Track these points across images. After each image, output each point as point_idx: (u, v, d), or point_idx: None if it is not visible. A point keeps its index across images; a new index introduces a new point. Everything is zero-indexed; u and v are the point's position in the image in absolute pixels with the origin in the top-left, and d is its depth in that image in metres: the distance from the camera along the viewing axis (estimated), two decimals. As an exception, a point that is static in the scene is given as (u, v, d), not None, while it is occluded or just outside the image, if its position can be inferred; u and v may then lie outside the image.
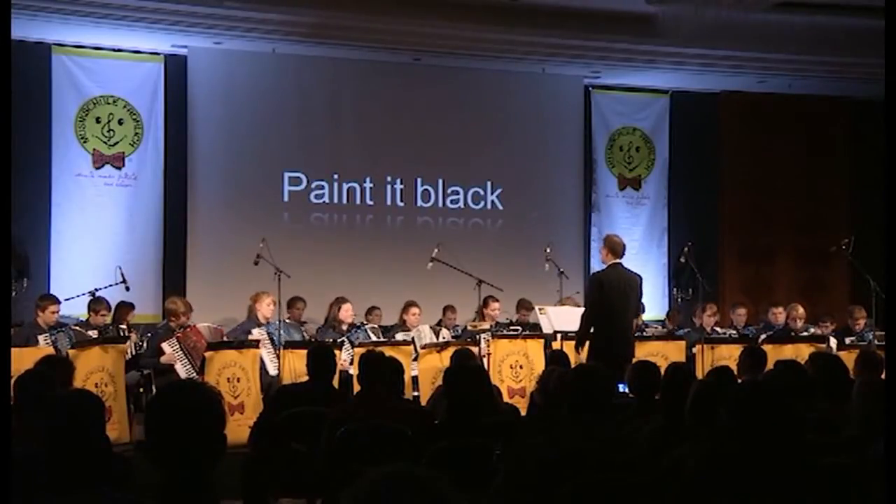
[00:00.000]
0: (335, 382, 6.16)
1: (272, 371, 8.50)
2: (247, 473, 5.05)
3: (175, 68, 10.67)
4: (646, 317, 10.75)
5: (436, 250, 9.79)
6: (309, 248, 10.79)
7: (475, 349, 8.49)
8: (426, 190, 11.48)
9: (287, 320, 9.38)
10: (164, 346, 8.04)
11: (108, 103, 10.50)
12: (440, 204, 11.52)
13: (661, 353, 8.59)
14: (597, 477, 3.34)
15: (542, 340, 8.96)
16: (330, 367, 5.85)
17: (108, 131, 10.49)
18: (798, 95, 12.42)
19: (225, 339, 8.83)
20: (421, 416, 5.04)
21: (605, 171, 12.28)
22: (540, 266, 10.15)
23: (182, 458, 2.41)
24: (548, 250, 10.03)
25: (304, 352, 6.43)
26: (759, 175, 12.67)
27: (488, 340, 8.98)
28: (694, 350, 9.23)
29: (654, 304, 11.57)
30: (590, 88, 12.12)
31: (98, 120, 10.45)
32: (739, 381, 5.30)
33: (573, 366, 6.20)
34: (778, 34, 10.80)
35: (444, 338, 9.58)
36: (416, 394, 8.38)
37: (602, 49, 11.03)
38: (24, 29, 9.40)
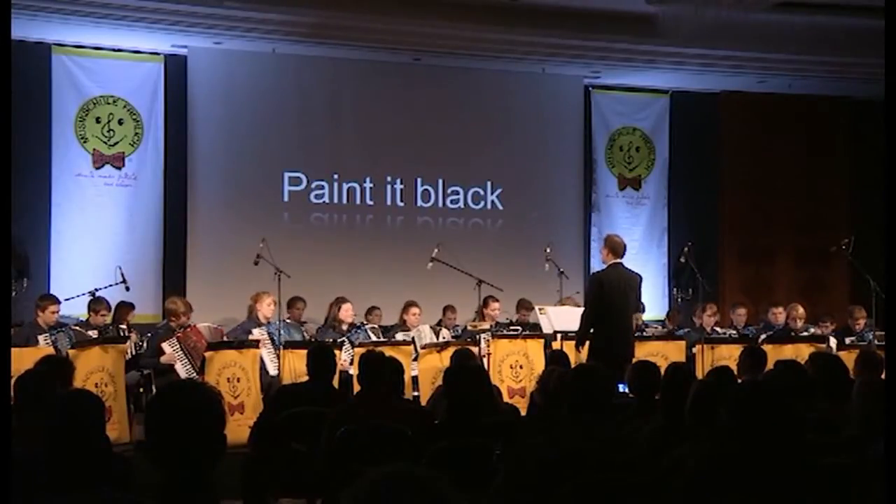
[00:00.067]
0: (335, 382, 6.16)
1: (272, 371, 8.50)
2: (247, 473, 5.05)
3: (175, 68, 10.67)
4: (646, 317, 10.76)
5: (436, 250, 9.79)
6: (309, 248, 10.79)
7: (475, 349, 8.49)
8: (426, 190, 11.48)
9: (288, 320, 9.38)
10: (165, 346, 8.04)
11: (108, 103, 10.50)
12: (440, 204, 11.52)
13: (661, 353, 8.59)
14: (597, 477, 3.34)
15: (542, 340, 8.95)
16: (330, 367, 5.85)
17: (108, 131, 10.49)
18: (798, 95, 12.42)
19: (225, 338, 8.83)
20: (421, 416, 5.04)
21: (605, 171, 12.28)
22: (540, 266, 10.15)
23: (182, 458, 2.41)
24: (548, 250, 10.03)
25: (304, 352, 6.43)
26: (759, 175, 12.67)
27: (488, 340, 8.97)
28: (694, 350, 9.23)
29: (654, 304, 11.57)
30: (590, 88, 12.12)
31: (98, 120, 10.45)
32: (739, 381, 5.30)
33: (573, 366, 6.20)
34: (778, 34, 10.80)
35: (444, 338, 9.58)
36: (416, 394, 8.38)
37: (602, 49, 11.03)
38: (24, 29, 9.40)
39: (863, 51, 10.42)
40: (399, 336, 9.43)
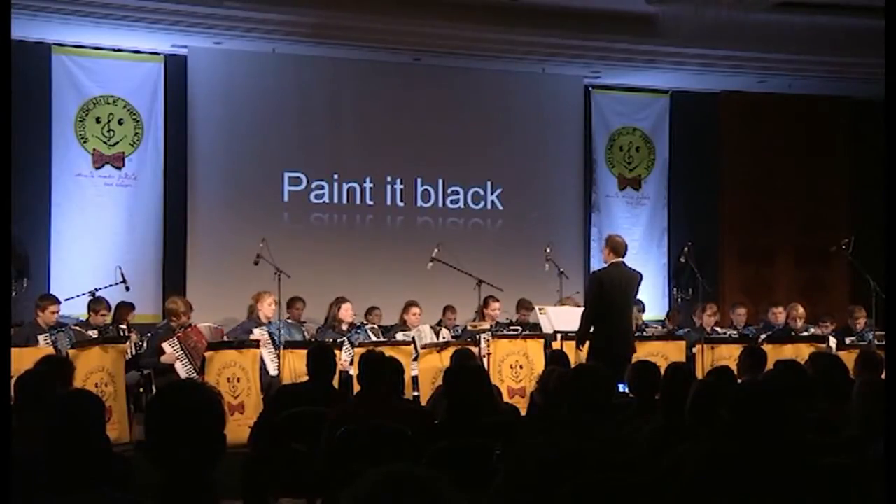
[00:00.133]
0: (335, 382, 6.16)
1: (272, 371, 8.49)
2: (247, 473, 5.05)
3: (175, 68, 10.68)
4: (646, 317, 10.77)
5: (436, 250, 9.79)
6: (309, 248, 10.79)
7: (475, 349, 8.49)
8: (426, 190, 11.48)
9: (289, 321, 9.38)
10: (165, 345, 8.04)
11: (108, 103, 10.50)
12: (440, 204, 11.52)
13: (661, 353, 8.59)
14: (597, 477, 3.34)
15: (542, 340, 8.95)
16: (330, 367, 5.85)
17: (108, 131, 10.49)
18: (798, 95, 12.42)
19: (225, 338, 8.83)
20: (421, 416, 5.04)
21: (605, 171, 12.28)
22: (540, 266, 10.15)
23: (182, 458, 2.41)
24: (548, 250, 10.03)
25: (305, 352, 6.43)
26: (759, 175, 12.67)
27: (488, 340, 8.98)
28: (694, 350, 9.23)
29: (654, 304, 11.58)
30: (590, 88, 12.13)
31: (98, 120, 10.45)
32: (739, 381, 5.30)
33: (573, 366, 6.20)
34: (778, 34, 10.80)
35: (444, 338, 9.58)
36: (416, 394, 8.38)
37: (602, 49, 11.04)
38: (24, 29, 9.40)
39: (863, 51, 10.42)
40: (399, 336, 9.43)
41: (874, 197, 10.19)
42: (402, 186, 11.38)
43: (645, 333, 9.66)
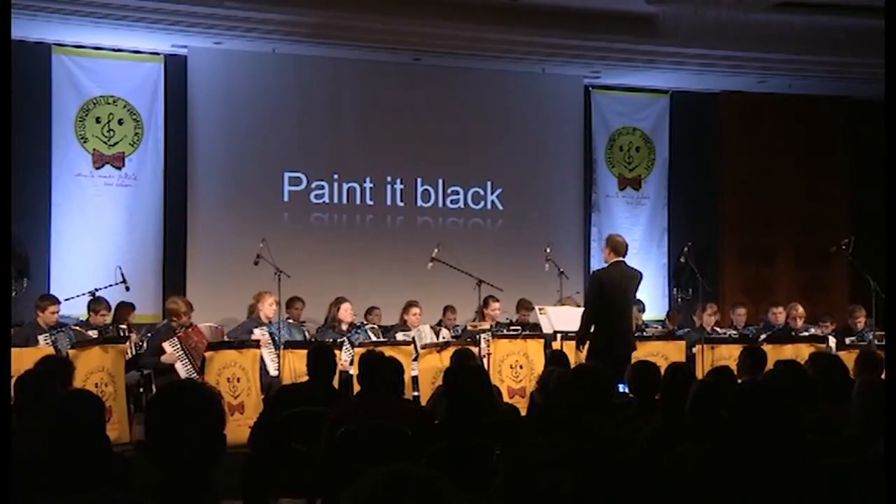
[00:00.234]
0: (335, 382, 6.16)
1: (272, 371, 8.49)
2: (247, 473, 5.05)
3: (175, 68, 10.68)
4: (646, 317, 10.77)
5: (436, 250, 9.79)
6: (309, 248, 10.79)
7: (475, 349, 8.49)
8: (426, 190, 11.48)
9: (290, 321, 9.38)
10: (165, 345, 8.04)
11: (108, 103, 10.50)
12: (440, 204, 11.52)
13: (661, 353, 8.59)
14: (597, 477, 3.34)
15: (542, 340, 8.95)
16: (330, 367, 5.85)
17: (108, 131, 10.49)
18: (798, 95, 12.42)
19: (226, 338, 8.82)
20: (421, 416, 5.04)
21: (605, 171, 12.28)
22: (540, 266, 10.14)
23: (182, 458, 2.41)
24: (548, 250, 10.02)
25: (305, 352, 6.42)
26: (759, 175, 12.67)
27: (488, 340, 8.98)
28: (694, 350, 9.23)
29: (654, 304, 11.58)
30: (590, 88, 12.13)
31: (98, 120, 10.45)
32: (739, 381, 5.30)
33: (573, 366, 6.20)
34: (778, 34, 10.80)
35: (444, 338, 9.58)
36: (416, 394, 8.38)
37: (602, 49, 11.04)
38: (24, 29, 9.40)
39: (863, 51, 10.42)
40: (399, 336, 9.43)
41: (874, 197, 10.18)
42: (402, 186, 11.38)
43: (645, 333, 9.66)
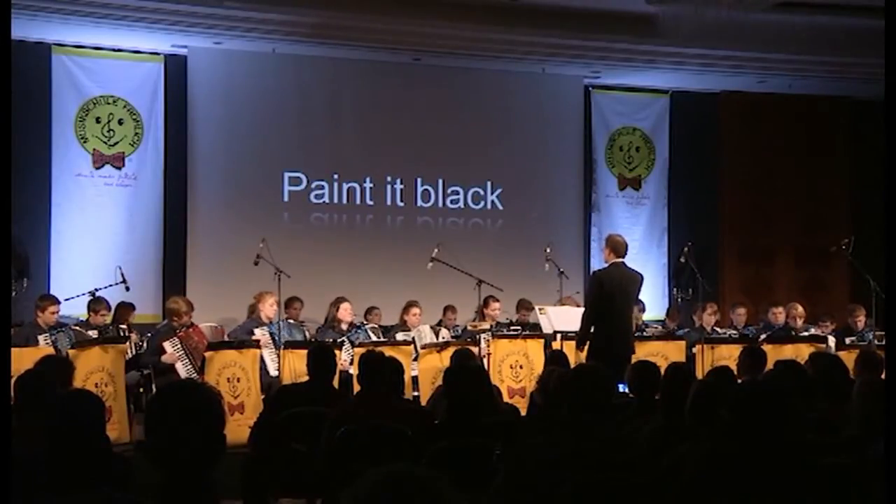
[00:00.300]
0: (335, 382, 6.16)
1: (273, 372, 8.49)
2: (247, 473, 5.05)
3: (175, 68, 10.68)
4: (646, 317, 10.77)
5: (436, 250, 9.79)
6: (309, 248, 10.79)
7: (475, 349, 8.49)
8: (426, 190, 11.48)
9: (291, 321, 9.38)
10: (166, 345, 8.04)
11: (108, 103, 10.51)
12: (440, 204, 11.52)
13: (661, 353, 8.58)
14: (597, 477, 3.34)
15: (542, 340, 8.95)
16: (330, 367, 5.85)
17: (108, 131, 10.49)
18: (798, 95, 12.42)
19: (226, 338, 8.82)
20: (421, 416, 5.03)
21: (605, 171, 12.28)
22: (540, 266, 10.14)
23: (182, 458, 2.41)
24: (548, 250, 10.02)
25: (305, 352, 6.42)
26: (759, 175, 12.67)
27: (488, 340, 8.98)
28: (694, 350, 9.23)
29: (654, 304, 11.57)
30: (590, 88, 12.13)
31: (98, 120, 10.45)
32: (739, 381, 5.30)
33: (573, 366, 6.20)
34: (778, 34, 10.80)
35: (443, 338, 9.58)
36: (416, 394, 8.38)
37: (602, 49, 11.04)
38: (24, 29, 9.40)
39: (863, 51, 10.42)
40: (399, 336, 9.43)
41: (874, 197, 10.17)
42: (402, 186, 11.38)
43: (645, 333, 9.66)
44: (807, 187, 12.80)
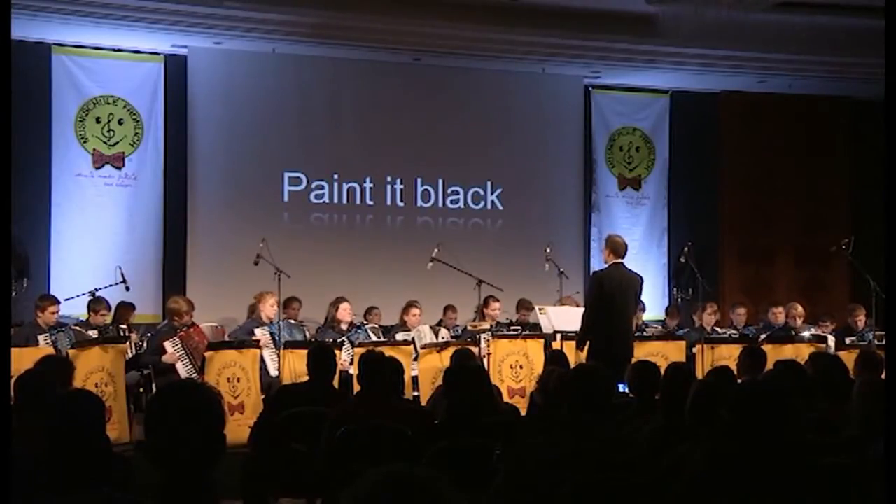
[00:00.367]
0: (335, 382, 6.16)
1: (273, 372, 8.49)
2: (247, 473, 5.05)
3: (175, 68, 10.68)
4: (646, 317, 10.77)
5: (436, 250, 9.79)
6: (309, 248, 10.79)
7: (475, 349, 8.49)
8: (426, 190, 11.48)
9: (292, 321, 9.39)
10: (167, 344, 8.04)
11: (108, 103, 10.51)
12: (440, 204, 11.52)
13: (661, 353, 8.59)
14: (597, 477, 3.34)
15: (542, 340, 8.95)
16: (330, 367, 5.85)
17: (108, 131, 10.49)
18: (798, 95, 12.42)
19: (226, 338, 8.82)
20: (421, 416, 5.03)
21: (605, 171, 12.28)
22: (540, 266, 10.14)
23: (182, 458, 2.41)
24: (548, 250, 10.02)
25: (305, 352, 6.43)
26: (759, 175, 12.67)
27: (488, 340, 8.98)
28: (694, 350, 9.23)
29: (654, 304, 11.57)
30: (590, 88, 12.13)
31: (98, 120, 10.45)
32: (739, 381, 5.30)
33: (573, 366, 6.20)
34: (778, 34, 10.80)
35: (443, 338, 9.58)
36: (416, 394, 8.38)
37: (602, 49, 11.04)
38: (24, 29, 9.40)
39: (863, 51, 10.42)
40: (399, 336, 9.43)
41: (874, 197, 10.17)
42: (402, 186, 11.38)
43: (645, 333, 9.66)
44: (807, 187, 12.80)
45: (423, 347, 8.89)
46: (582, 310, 7.85)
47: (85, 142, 10.39)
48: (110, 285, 9.48)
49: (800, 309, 10.30)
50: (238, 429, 6.87)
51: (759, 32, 10.66)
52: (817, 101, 12.69)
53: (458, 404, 4.59)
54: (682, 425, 4.14)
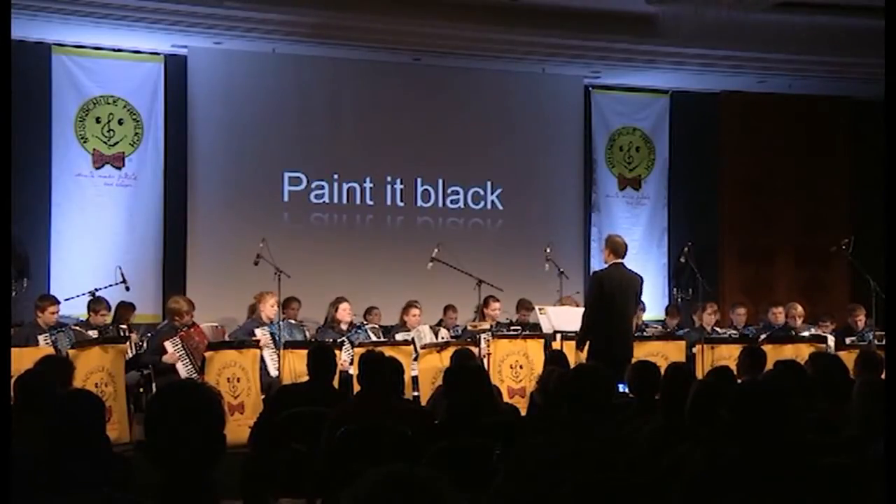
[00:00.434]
0: (335, 382, 6.16)
1: (273, 372, 8.49)
2: (247, 473, 5.04)
3: (175, 68, 10.68)
4: (646, 317, 10.77)
5: (436, 250, 9.79)
6: (309, 248, 10.79)
7: (475, 349, 8.49)
8: (426, 190, 11.48)
9: (292, 321, 9.38)
10: (167, 344, 8.04)
11: (108, 103, 10.50)
12: (440, 204, 11.52)
13: (661, 353, 8.59)
14: (597, 477, 3.34)
15: (542, 340, 8.95)
16: (330, 367, 5.85)
17: (108, 131, 10.49)
18: (798, 95, 12.42)
19: (227, 338, 8.82)
20: (421, 416, 5.04)
21: (605, 171, 12.28)
22: (540, 266, 10.14)
23: (182, 458, 2.41)
24: (548, 250, 10.02)
25: (305, 352, 6.43)
26: (759, 175, 12.67)
27: (488, 340, 8.98)
28: (694, 350, 9.23)
29: (654, 304, 11.57)
30: (590, 88, 12.13)
31: (98, 120, 10.45)
32: (739, 381, 5.30)
33: (573, 366, 6.20)
34: (778, 34, 10.80)
35: (442, 338, 9.58)
36: (416, 394, 8.38)
37: (602, 49, 11.04)
38: (24, 29, 9.40)
39: (863, 51, 10.42)
40: (399, 336, 9.43)
41: (874, 197, 10.18)
42: (402, 186, 11.38)
43: (645, 333, 9.66)
44: (807, 187, 12.80)
45: (423, 347, 8.89)
46: (582, 310, 7.85)
47: (85, 142, 10.39)
48: (110, 285, 9.48)
49: (800, 309, 10.30)
50: (238, 429, 6.87)
51: (759, 32, 10.66)
52: (817, 101, 12.68)
53: (458, 404, 4.59)
54: (682, 425, 4.14)
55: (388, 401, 5.11)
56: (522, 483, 3.39)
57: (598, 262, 10.49)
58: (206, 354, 7.92)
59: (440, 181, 11.52)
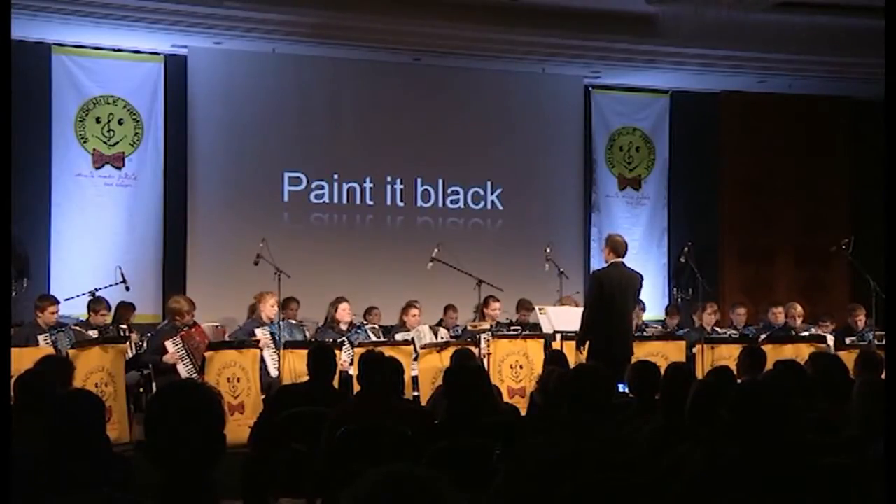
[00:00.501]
0: (335, 382, 6.16)
1: (273, 372, 8.49)
2: (247, 473, 5.05)
3: (175, 68, 10.68)
4: (646, 317, 10.76)
5: (436, 250, 9.79)
6: (309, 248, 10.79)
7: (475, 349, 8.49)
8: (426, 190, 11.48)
9: (292, 321, 9.38)
10: (168, 344, 8.04)
11: (108, 103, 10.51)
12: (440, 204, 11.52)
13: (661, 353, 8.59)
14: (597, 477, 3.34)
15: (542, 340, 8.95)
16: (330, 367, 5.85)
17: (108, 131, 10.49)
18: (798, 95, 12.42)
19: (227, 339, 8.81)
20: (421, 416, 5.04)
21: (605, 171, 12.28)
22: (540, 266, 10.14)
23: (182, 458, 2.41)
24: (548, 250, 10.02)
25: (305, 352, 6.43)
26: (759, 175, 12.67)
27: (488, 340, 8.98)
28: (694, 350, 9.23)
29: (654, 304, 11.57)
30: (590, 88, 12.13)
31: (98, 120, 10.45)
32: (739, 381, 5.30)
33: (573, 366, 6.20)
34: (778, 34, 10.80)
35: (442, 338, 9.58)
36: (416, 394, 8.38)
37: (602, 49, 11.04)
38: (24, 29, 9.40)
39: (863, 51, 10.42)
40: (399, 336, 9.43)
41: (874, 197, 10.17)
42: (402, 186, 11.38)
43: (645, 333, 9.66)
44: (807, 187, 12.80)
45: (423, 347, 8.89)
46: (582, 310, 7.85)
47: (85, 142, 10.39)
48: (110, 285, 9.48)
49: (799, 309, 10.30)
50: (238, 429, 6.87)
51: (759, 32, 10.66)
52: (817, 101, 12.69)
53: (458, 404, 4.59)
54: (682, 425, 4.14)
55: (388, 401, 5.11)
56: (522, 483, 3.39)
57: (598, 262, 10.49)
58: (207, 354, 7.92)
59: (440, 181, 11.52)
